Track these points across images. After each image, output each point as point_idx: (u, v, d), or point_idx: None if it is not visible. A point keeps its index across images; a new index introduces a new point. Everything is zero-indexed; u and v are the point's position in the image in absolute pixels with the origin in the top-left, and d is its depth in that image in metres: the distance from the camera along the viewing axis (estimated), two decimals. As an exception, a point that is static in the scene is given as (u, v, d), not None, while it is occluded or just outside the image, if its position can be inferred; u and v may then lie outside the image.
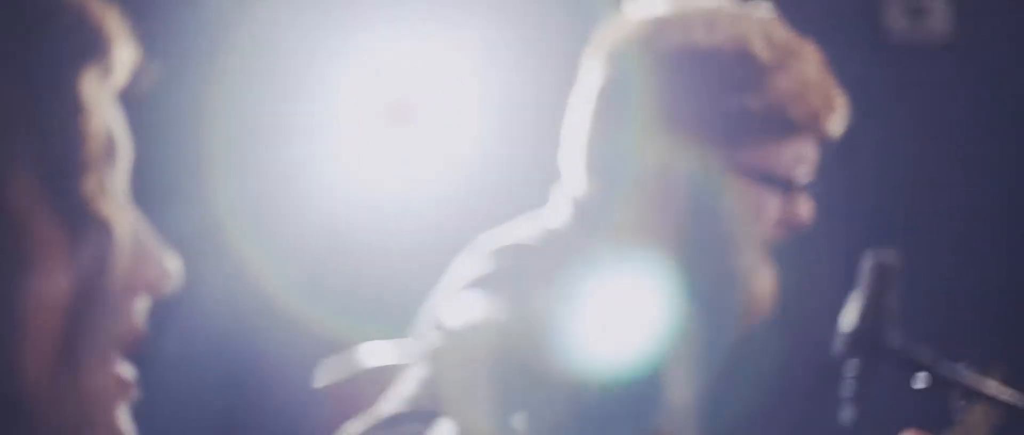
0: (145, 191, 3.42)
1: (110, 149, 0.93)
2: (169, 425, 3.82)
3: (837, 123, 2.21)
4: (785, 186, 2.18)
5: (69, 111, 0.89)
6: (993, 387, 2.24)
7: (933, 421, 2.36)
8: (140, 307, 0.96)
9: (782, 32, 2.20)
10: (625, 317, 2.16)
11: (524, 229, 2.22)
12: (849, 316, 2.22)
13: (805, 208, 2.21)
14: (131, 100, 0.98)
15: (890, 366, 2.22)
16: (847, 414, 2.22)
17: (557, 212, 2.23)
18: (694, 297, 2.25)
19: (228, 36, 3.73)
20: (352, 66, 3.79)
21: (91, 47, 0.92)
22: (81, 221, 0.90)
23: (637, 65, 2.17)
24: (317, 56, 3.79)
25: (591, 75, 2.21)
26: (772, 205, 2.18)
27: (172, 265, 0.97)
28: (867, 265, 2.23)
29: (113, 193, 0.93)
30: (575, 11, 3.56)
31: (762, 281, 2.21)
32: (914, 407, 2.36)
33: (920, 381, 2.23)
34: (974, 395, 2.25)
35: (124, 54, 0.95)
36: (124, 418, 0.96)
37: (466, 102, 3.83)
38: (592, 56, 2.22)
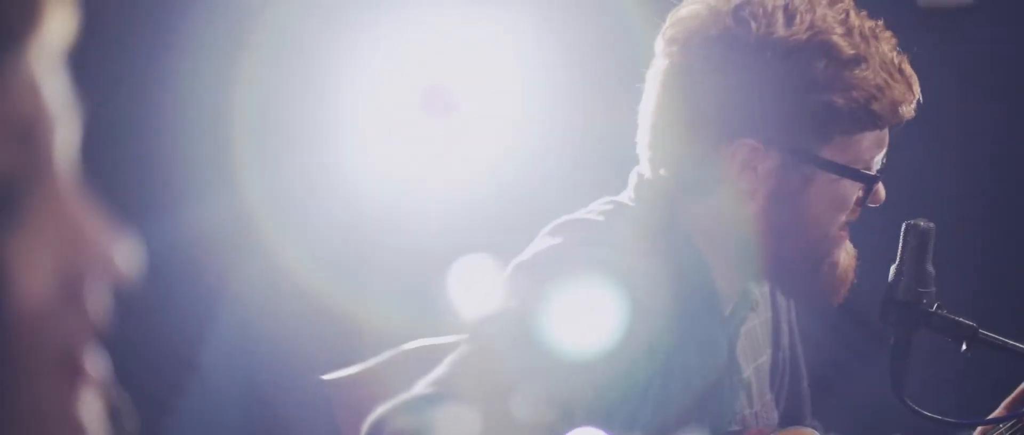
0: (175, 186, 3.42)
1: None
2: (204, 423, 3.84)
3: (912, 109, 2.21)
4: (866, 176, 2.19)
5: None
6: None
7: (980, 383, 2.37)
8: (90, 301, 0.85)
9: (858, 17, 2.18)
10: (696, 303, 2.19)
11: (598, 207, 2.24)
12: (889, 282, 2.25)
13: (881, 191, 2.23)
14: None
15: (929, 331, 2.24)
16: (889, 378, 2.24)
17: (633, 196, 2.24)
18: (776, 280, 2.29)
19: (261, 23, 3.74)
20: (388, 53, 3.79)
21: None
22: None
23: (714, 55, 2.16)
24: (352, 43, 3.80)
25: (662, 61, 2.20)
26: (854, 192, 2.20)
27: (122, 247, 0.86)
28: (903, 233, 2.25)
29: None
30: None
31: (843, 257, 2.23)
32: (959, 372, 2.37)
33: (964, 346, 2.25)
34: (1022, 359, 2.27)
35: (53, 22, 0.83)
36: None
37: (505, 89, 3.83)
38: (662, 41, 2.21)
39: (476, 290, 2.17)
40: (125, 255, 0.86)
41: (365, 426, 2.02)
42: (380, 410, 2.02)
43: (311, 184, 3.86)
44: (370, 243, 3.84)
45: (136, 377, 3.58)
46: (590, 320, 2.08)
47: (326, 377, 2.40)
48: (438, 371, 2.05)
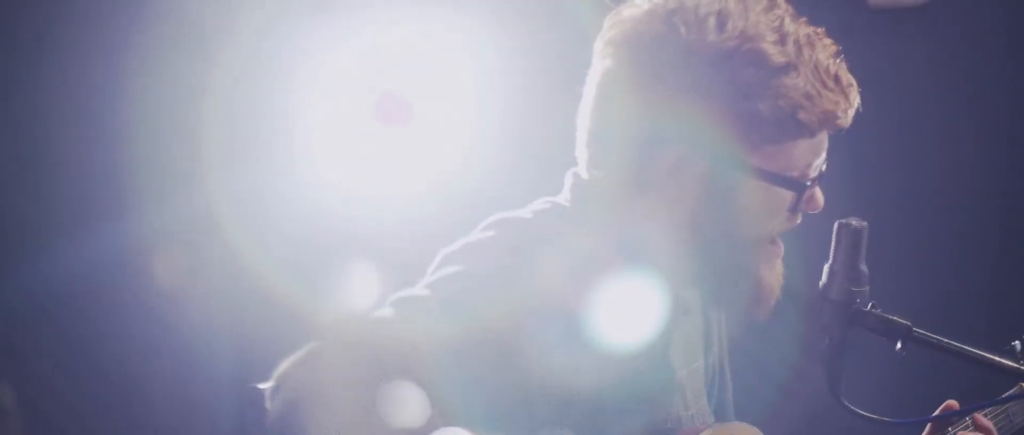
0: (141, 188, 3.40)
1: None
2: (170, 419, 3.84)
3: (850, 117, 2.20)
4: (798, 183, 2.18)
5: None
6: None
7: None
8: None
9: (794, 24, 2.17)
10: (627, 303, 2.19)
11: (535, 206, 2.24)
12: (822, 282, 2.24)
13: (817, 198, 2.23)
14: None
15: (864, 328, 2.24)
16: (824, 375, 2.24)
17: (570, 196, 2.25)
18: (703, 287, 2.29)
19: (221, 32, 3.75)
20: (344, 60, 3.79)
21: None
22: None
23: (644, 60, 2.16)
24: (309, 50, 3.81)
25: (599, 63, 2.20)
26: (786, 199, 2.19)
27: None
28: (836, 232, 2.24)
29: None
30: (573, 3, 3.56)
31: (770, 274, 2.23)
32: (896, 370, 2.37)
33: (899, 345, 2.24)
34: (956, 357, 2.27)
35: None
36: None
37: (459, 96, 3.84)
38: (600, 43, 2.21)
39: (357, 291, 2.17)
40: None
41: (272, 380, 2.00)
42: (283, 366, 1.99)
43: (273, 188, 3.87)
44: (327, 247, 3.84)
45: (92, 383, 3.58)
46: (517, 314, 2.08)
47: (263, 385, 2.40)
48: (354, 331, 2.03)
